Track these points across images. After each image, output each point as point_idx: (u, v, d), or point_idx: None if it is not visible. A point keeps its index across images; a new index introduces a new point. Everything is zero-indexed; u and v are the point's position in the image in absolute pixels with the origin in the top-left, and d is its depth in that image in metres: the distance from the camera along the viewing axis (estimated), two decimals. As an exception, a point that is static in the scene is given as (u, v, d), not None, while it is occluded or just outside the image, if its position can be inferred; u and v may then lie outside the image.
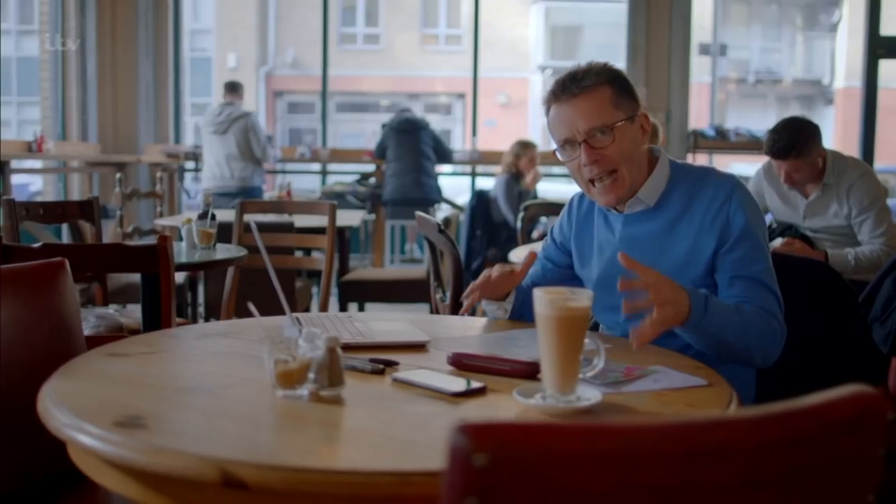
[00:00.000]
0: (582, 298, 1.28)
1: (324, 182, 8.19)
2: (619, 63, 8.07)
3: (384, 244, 7.26)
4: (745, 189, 1.79)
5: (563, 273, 1.98)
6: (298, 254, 4.09)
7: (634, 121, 1.79)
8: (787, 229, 3.57)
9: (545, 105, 1.83)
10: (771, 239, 3.58)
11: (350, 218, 5.05)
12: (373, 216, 7.28)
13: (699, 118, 10.41)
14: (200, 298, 4.58)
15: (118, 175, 4.91)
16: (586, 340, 1.31)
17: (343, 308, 4.72)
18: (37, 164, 7.14)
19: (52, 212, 3.41)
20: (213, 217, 3.07)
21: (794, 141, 3.25)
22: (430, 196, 6.84)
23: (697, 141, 7.41)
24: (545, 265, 2.00)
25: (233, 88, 6.69)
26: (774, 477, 0.79)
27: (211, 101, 6.11)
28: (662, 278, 1.55)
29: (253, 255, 3.60)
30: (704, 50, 11.50)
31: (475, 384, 1.37)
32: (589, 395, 1.30)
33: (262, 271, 3.86)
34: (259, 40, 18.79)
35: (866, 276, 3.14)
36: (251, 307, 1.35)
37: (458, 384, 1.37)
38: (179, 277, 4.30)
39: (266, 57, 18.95)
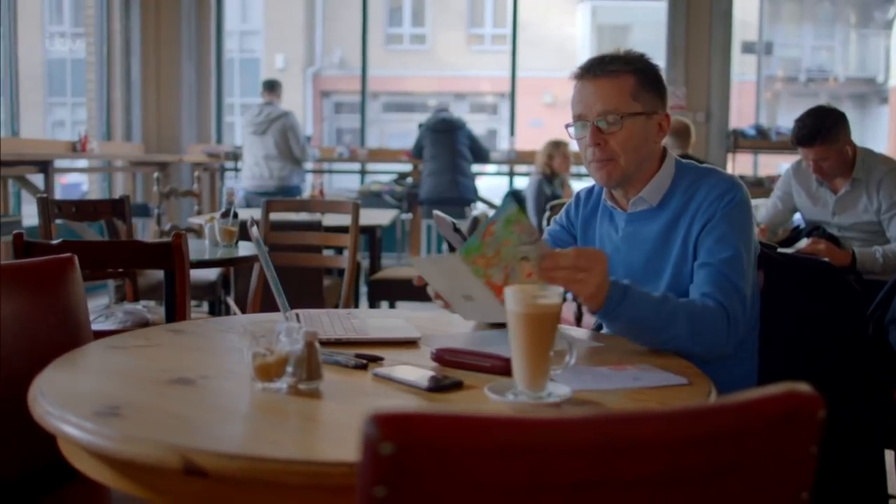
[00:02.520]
0: (552, 296, 1.29)
1: (362, 181, 8.26)
2: (659, 62, 8.03)
3: (420, 243, 7.30)
4: (743, 191, 1.79)
5: None
6: (330, 252, 4.14)
7: (652, 117, 1.80)
8: (814, 230, 3.53)
9: (572, 80, 1.85)
10: (798, 239, 3.54)
11: (381, 217, 5.10)
12: (409, 215, 7.32)
13: (746, 117, 10.27)
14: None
15: (156, 174, 5.02)
16: (559, 337, 1.32)
17: (373, 306, 4.77)
18: (84, 163, 7.32)
19: (84, 210, 3.51)
20: (236, 215, 3.13)
21: (818, 127, 3.24)
22: (466, 196, 6.86)
23: (738, 141, 7.31)
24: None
25: (271, 87, 6.75)
26: (694, 472, 0.80)
27: (259, 101, 6.26)
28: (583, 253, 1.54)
29: (278, 254, 3.66)
30: (749, 48, 11.34)
31: (452, 380, 1.39)
32: (559, 391, 1.31)
33: (289, 269, 3.93)
34: (306, 41, 18.99)
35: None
36: (230, 302, 1.39)
37: (436, 380, 1.39)
38: (212, 274, 4.39)
39: (313, 57, 19.14)
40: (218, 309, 4.50)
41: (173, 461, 1.05)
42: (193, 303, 5.17)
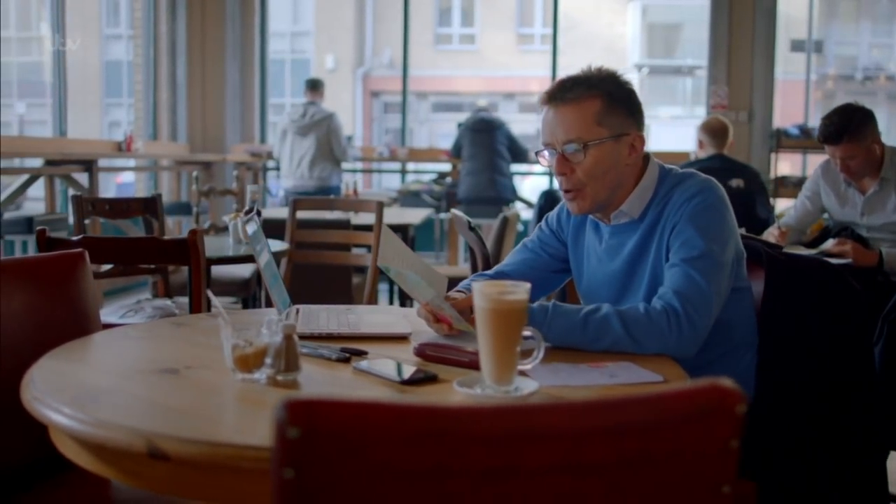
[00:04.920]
0: (519, 292, 1.32)
1: (403, 180, 8.34)
2: (702, 60, 7.92)
3: (458, 242, 7.34)
4: (713, 193, 1.76)
5: (555, 264, 1.99)
6: (361, 251, 4.20)
7: (621, 139, 1.77)
8: (842, 230, 3.49)
9: (540, 105, 1.83)
10: (826, 240, 3.50)
11: (413, 216, 5.14)
12: (448, 214, 7.37)
13: (795, 117, 10.11)
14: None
15: (194, 173, 5.14)
16: (526, 333, 1.34)
17: (404, 304, 4.82)
18: (133, 163, 7.51)
19: (117, 208, 3.62)
20: (259, 213, 3.20)
21: (845, 124, 3.20)
22: (503, 195, 6.89)
23: (781, 140, 7.21)
24: (539, 255, 1.99)
25: (314, 87, 6.82)
26: (602, 462, 0.82)
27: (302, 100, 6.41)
28: None
29: (305, 251, 3.73)
30: (799, 46, 11.13)
31: (427, 373, 1.42)
32: (527, 386, 1.33)
33: (319, 266, 3.99)
34: (356, 41, 19.16)
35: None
36: (209, 295, 1.44)
37: (411, 373, 1.42)
38: (246, 271, 4.48)
39: (363, 58, 19.31)
40: (251, 305, 4.59)
41: (138, 445, 1.11)
42: (231, 299, 5.28)
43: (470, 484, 0.79)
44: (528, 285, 1.33)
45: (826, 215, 3.67)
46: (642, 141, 1.82)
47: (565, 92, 1.76)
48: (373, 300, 3.71)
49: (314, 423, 0.75)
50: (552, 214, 2.03)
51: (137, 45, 7.55)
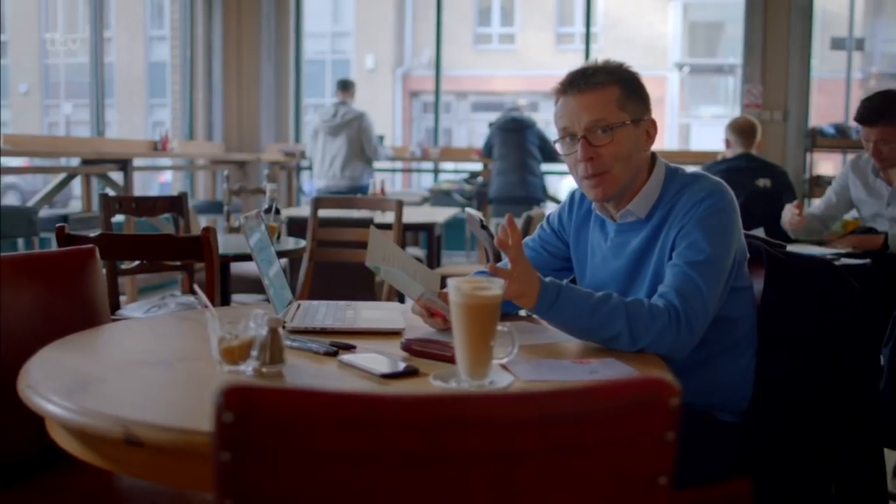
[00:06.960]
0: (493, 287, 1.35)
1: (435, 179, 8.38)
2: (738, 59, 7.83)
3: (489, 241, 7.37)
4: (723, 196, 1.77)
5: (555, 263, 2.02)
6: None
7: (639, 125, 1.81)
8: (867, 231, 3.46)
9: (554, 97, 1.86)
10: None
11: (438, 214, 5.18)
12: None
13: (835, 116, 9.97)
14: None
15: (225, 173, 5.24)
16: (501, 328, 1.37)
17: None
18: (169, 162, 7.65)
19: (143, 206, 3.70)
20: (278, 211, 3.27)
21: (885, 107, 3.21)
22: (534, 195, 6.89)
23: (816, 139, 7.12)
24: (539, 253, 2.02)
25: (345, 87, 6.90)
26: (533, 451, 0.84)
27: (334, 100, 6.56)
28: (523, 266, 1.64)
29: (325, 249, 3.79)
30: (839, 44, 10.95)
31: (408, 367, 1.46)
32: (501, 380, 1.36)
33: (343, 264, 4.04)
34: (396, 42, 19.27)
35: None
36: (196, 289, 1.49)
37: (392, 367, 1.46)
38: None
39: (403, 58, 19.40)
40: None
41: (116, 431, 1.16)
42: (260, 296, 5.36)
43: (401, 469, 0.82)
44: (501, 281, 1.36)
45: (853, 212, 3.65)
46: (656, 127, 1.85)
47: (587, 78, 1.79)
48: (392, 297, 3.76)
49: (248, 408, 0.79)
50: (554, 214, 2.05)
51: (175, 46, 7.70)
